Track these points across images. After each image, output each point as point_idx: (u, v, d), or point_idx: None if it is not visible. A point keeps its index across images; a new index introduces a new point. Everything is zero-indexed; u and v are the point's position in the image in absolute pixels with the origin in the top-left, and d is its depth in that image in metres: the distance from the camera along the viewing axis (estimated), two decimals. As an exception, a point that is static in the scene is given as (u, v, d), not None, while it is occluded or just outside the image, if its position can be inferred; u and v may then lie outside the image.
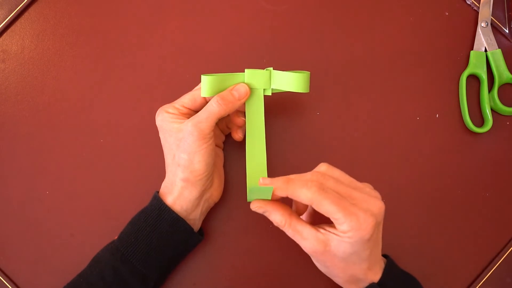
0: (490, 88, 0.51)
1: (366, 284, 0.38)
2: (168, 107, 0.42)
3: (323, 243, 0.36)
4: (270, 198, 0.38)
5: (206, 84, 0.41)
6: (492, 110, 0.50)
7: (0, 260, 0.47)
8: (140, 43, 0.51)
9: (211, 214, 0.48)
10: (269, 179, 0.38)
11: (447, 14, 0.52)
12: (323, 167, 0.39)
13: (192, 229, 0.42)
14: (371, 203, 0.36)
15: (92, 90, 0.50)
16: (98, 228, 0.48)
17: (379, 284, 0.38)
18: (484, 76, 0.50)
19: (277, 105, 0.50)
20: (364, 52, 0.51)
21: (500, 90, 0.51)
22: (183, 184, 0.40)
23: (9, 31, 0.51)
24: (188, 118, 0.41)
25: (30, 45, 0.51)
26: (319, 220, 0.40)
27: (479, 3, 0.52)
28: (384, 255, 0.41)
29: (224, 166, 0.47)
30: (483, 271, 0.48)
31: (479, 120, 0.51)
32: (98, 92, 0.50)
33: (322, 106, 0.50)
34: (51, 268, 0.47)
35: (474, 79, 0.52)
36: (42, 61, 0.51)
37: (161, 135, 0.43)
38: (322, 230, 0.37)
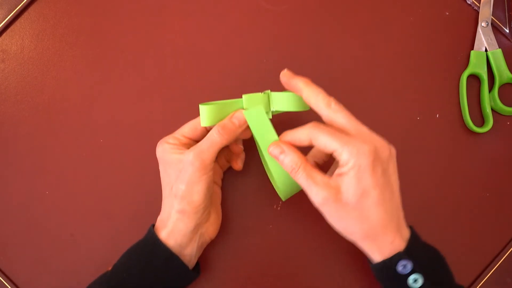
0: (491, 88, 0.51)
1: (387, 245, 0.37)
2: (168, 138, 0.41)
3: (334, 189, 0.36)
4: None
5: (205, 114, 0.40)
6: (493, 110, 0.50)
7: (0, 260, 0.47)
8: (140, 43, 0.51)
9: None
10: (276, 144, 0.39)
11: (447, 14, 0.52)
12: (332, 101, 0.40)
13: (186, 266, 0.41)
14: (374, 138, 0.37)
15: (92, 90, 0.50)
16: (98, 228, 0.48)
17: (405, 252, 0.37)
18: (484, 76, 0.50)
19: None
20: (364, 52, 0.51)
21: (501, 90, 0.51)
22: (178, 216, 0.39)
23: (8, 31, 0.51)
24: (189, 148, 0.40)
25: (29, 45, 0.51)
26: None
27: (479, 3, 0.52)
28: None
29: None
30: (483, 271, 0.48)
31: (480, 120, 0.51)
32: (98, 92, 0.50)
33: (322, 106, 0.50)
34: (51, 268, 0.47)
35: (474, 79, 0.52)
36: (42, 61, 0.51)
37: (161, 167, 0.42)
38: (332, 177, 0.37)
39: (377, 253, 0.38)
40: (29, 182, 0.49)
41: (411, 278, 0.36)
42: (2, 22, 0.51)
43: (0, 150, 0.49)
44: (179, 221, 0.39)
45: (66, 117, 0.50)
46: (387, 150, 0.37)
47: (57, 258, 0.47)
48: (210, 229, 0.43)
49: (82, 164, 0.49)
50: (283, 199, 0.43)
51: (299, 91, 0.39)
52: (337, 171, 0.37)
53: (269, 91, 0.42)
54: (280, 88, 0.51)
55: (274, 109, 0.42)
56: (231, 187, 0.48)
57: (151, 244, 0.40)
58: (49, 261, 0.47)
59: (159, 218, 0.42)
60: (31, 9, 0.52)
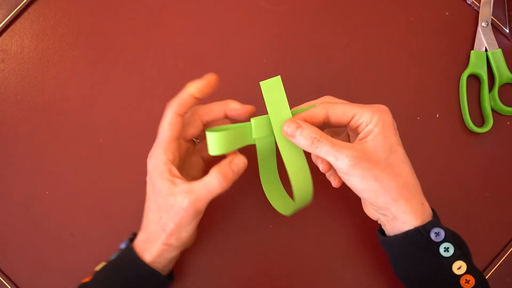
0: (491, 88, 0.51)
1: (418, 202, 0.38)
2: (161, 152, 0.38)
3: (361, 151, 0.36)
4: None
5: (214, 142, 0.37)
6: (493, 110, 0.50)
7: (0, 260, 0.47)
8: (140, 43, 0.51)
9: (210, 215, 0.48)
10: (291, 120, 0.38)
11: (447, 14, 0.52)
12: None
13: (168, 281, 0.41)
14: (380, 106, 0.39)
15: (92, 90, 0.50)
16: (98, 228, 0.48)
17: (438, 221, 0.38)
18: (484, 76, 0.50)
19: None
20: (364, 52, 0.51)
21: (501, 90, 0.51)
22: (165, 248, 0.39)
23: (8, 30, 0.51)
24: (179, 158, 0.39)
25: (29, 45, 0.51)
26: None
27: (479, 3, 0.52)
28: None
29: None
30: (483, 271, 0.48)
31: (480, 120, 0.51)
32: (98, 92, 0.50)
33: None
34: (51, 268, 0.47)
35: (474, 79, 0.51)
36: (42, 61, 0.51)
37: (149, 184, 0.39)
38: (355, 143, 0.38)
39: (410, 216, 0.37)
40: (29, 182, 0.49)
41: (442, 246, 0.36)
42: (2, 22, 0.51)
43: (0, 150, 0.49)
44: (165, 252, 0.39)
45: (66, 117, 0.50)
46: (388, 110, 0.39)
47: (57, 258, 0.47)
48: (189, 243, 0.43)
49: (82, 164, 0.49)
50: (290, 213, 0.42)
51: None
52: (359, 136, 0.38)
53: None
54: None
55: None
56: (231, 188, 0.48)
57: (134, 265, 0.39)
58: (49, 261, 0.47)
59: (140, 237, 0.40)
60: (31, 9, 0.52)
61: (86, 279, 0.41)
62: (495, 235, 0.49)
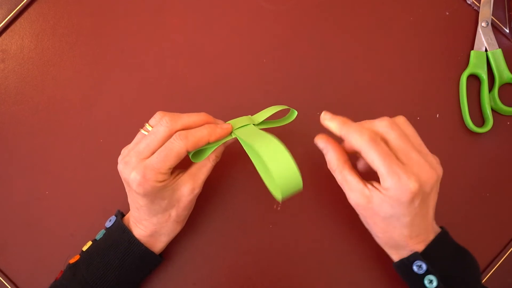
0: (491, 88, 0.51)
1: (407, 252, 0.38)
2: (156, 175, 0.37)
3: (366, 198, 0.37)
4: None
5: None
6: (493, 110, 0.50)
7: (0, 260, 0.47)
8: (140, 43, 0.51)
9: (210, 215, 0.48)
10: (330, 115, 0.39)
11: (448, 14, 0.52)
12: (401, 118, 0.39)
13: (160, 259, 0.43)
14: (423, 169, 0.35)
15: (92, 90, 0.50)
16: (98, 228, 0.48)
17: (422, 254, 0.38)
18: (484, 76, 0.50)
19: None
20: (364, 52, 0.51)
21: (501, 90, 0.51)
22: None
23: (8, 30, 0.51)
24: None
25: (29, 45, 0.51)
26: (373, 176, 0.39)
27: (479, 3, 0.52)
28: (440, 227, 0.41)
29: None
30: (483, 271, 0.48)
31: (480, 120, 0.51)
32: (98, 92, 0.50)
33: (322, 106, 0.50)
34: (51, 268, 0.47)
35: (474, 79, 0.51)
36: (42, 61, 0.51)
37: (145, 198, 0.39)
38: (369, 186, 0.37)
39: (395, 257, 0.40)
40: (29, 182, 0.49)
41: (426, 279, 0.37)
42: (2, 22, 0.51)
43: (0, 150, 0.49)
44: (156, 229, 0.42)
45: (66, 117, 0.50)
46: (432, 179, 0.36)
47: (57, 258, 0.47)
48: (178, 228, 0.43)
49: (82, 164, 0.49)
50: (281, 199, 0.41)
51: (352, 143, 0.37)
52: (377, 185, 0.37)
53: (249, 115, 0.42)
54: (277, 90, 0.51)
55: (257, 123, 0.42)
56: (231, 188, 0.48)
57: (126, 241, 0.41)
58: (49, 261, 0.47)
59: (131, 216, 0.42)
60: (31, 9, 0.52)
61: (74, 259, 0.42)
62: (495, 235, 0.49)
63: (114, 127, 0.50)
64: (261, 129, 0.41)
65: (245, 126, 0.41)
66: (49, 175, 0.49)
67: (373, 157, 0.35)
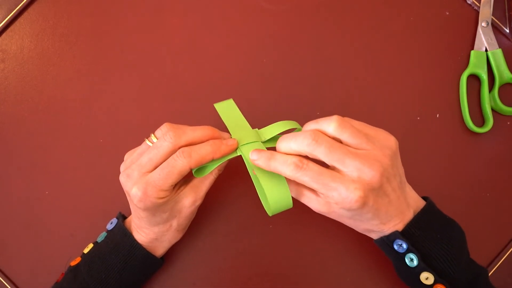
0: (491, 88, 0.51)
1: (384, 231, 0.38)
2: (157, 192, 0.37)
3: (326, 205, 0.37)
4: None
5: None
6: (493, 110, 0.50)
7: (0, 260, 0.47)
8: (140, 43, 0.51)
9: (210, 216, 0.48)
10: (256, 155, 0.37)
11: (448, 14, 0.52)
12: (332, 121, 0.36)
13: (161, 262, 0.44)
14: (363, 171, 0.34)
15: (92, 90, 0.50)
16: (98, 228, 0.48)
17: (402, 233, 0.37)
18: (484, 76, 0.50)
19: (279, 109, 0.50)
20: (364, 52, 0.51)
21: (501, 90, 0.51)
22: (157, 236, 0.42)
23: (8, 30, 0.51)
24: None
25: (29, 45, 0.51)
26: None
27: (479, 3, 0.52)
28: (424, 197, 0.41)
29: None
30: (483, 271, 0.48)
31: (480, 120, 0.51)
32: (98, 92, 0.50)
33: (322, 106, 0.50)
34: (51, 268, 0.47)
35: (474, 79, 0.51)
36: (42, 61, 0.51)
37: (145, 212, 0.39)
38: (321, 195, 0.36)
39: (375, 237, 0.40)
40: (28, 182, 0.49)
41: (407, 257, 0.38)
42: (2, 22, 0.51)
43: (0, 150, 0.49)
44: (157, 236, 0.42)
45: (66, 117, 0.50)
46: (377, 174, 0.34)
47: (57, 258, 0.47)
48: (177, 236, 0.43)
49: (82, 164, 0.49)
50: (270, 214, 0.40)
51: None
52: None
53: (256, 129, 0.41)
54: (277, 90, 0.51)
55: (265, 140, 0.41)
56: (231, 188, 0.48)
57: (128, 245, 0.41)
58: (49, 261, 0.47)
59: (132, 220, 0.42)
60: (31, 9, 0.52)
61: (75, 262, 0.42)
62: (495, 235, 0.49)
63: (114, 127, 0.50)
64: (267, 148, 0.40)
65: (252, 143, 0.39)
66: (49, 175, 0.49)
67: (306, 183, 0.35)
